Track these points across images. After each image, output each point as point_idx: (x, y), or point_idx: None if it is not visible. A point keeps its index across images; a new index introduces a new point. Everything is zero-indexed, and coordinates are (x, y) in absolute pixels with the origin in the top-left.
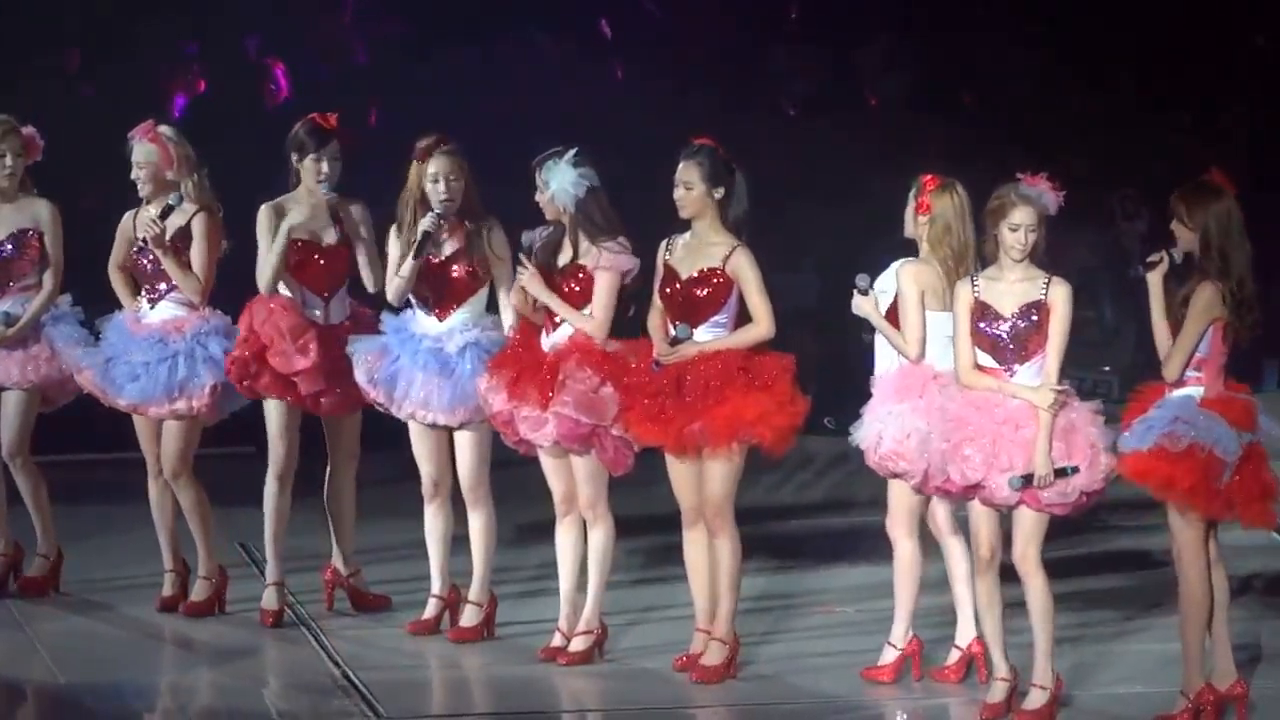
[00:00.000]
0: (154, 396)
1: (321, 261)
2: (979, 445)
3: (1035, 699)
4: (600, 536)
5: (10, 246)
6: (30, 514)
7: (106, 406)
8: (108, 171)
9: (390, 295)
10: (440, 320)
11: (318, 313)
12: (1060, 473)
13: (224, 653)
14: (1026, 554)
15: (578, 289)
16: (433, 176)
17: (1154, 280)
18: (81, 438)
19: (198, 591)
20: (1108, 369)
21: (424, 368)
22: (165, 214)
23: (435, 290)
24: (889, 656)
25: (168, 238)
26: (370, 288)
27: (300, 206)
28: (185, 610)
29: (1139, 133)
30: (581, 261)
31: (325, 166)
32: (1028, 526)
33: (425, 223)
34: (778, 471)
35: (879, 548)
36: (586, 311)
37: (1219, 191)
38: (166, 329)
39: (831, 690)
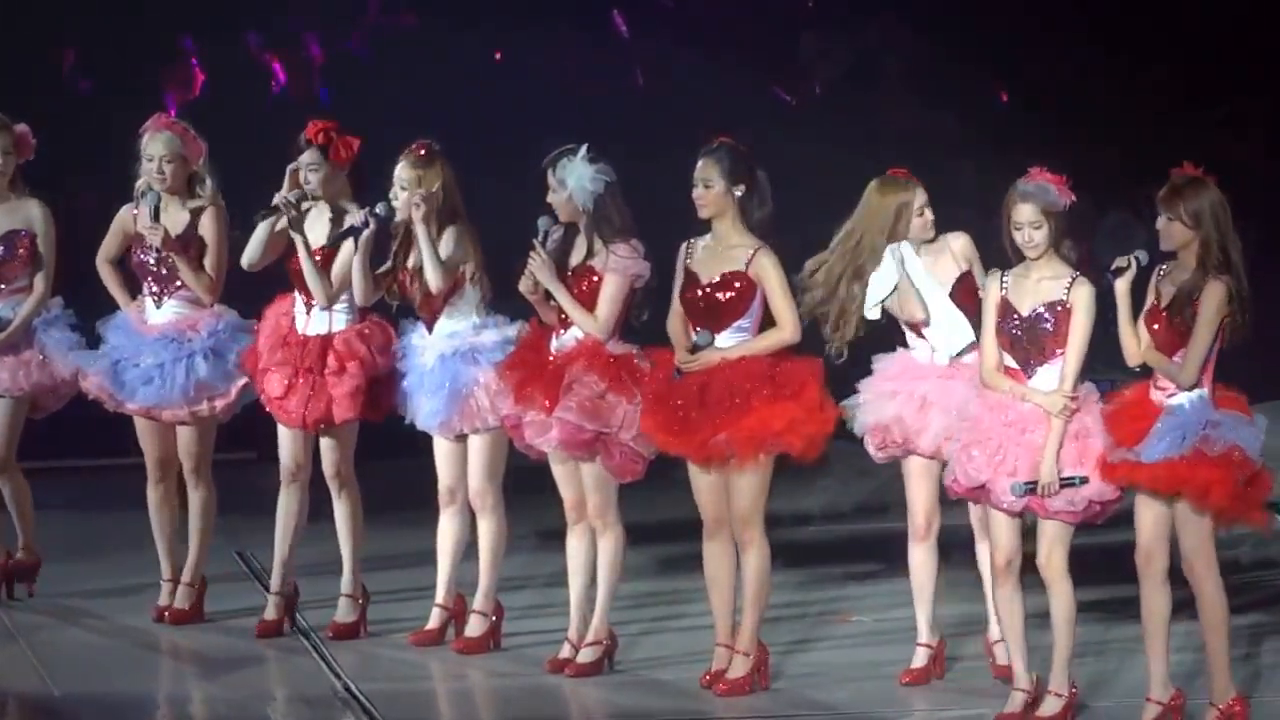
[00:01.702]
0: (171, 399)
1: (295, 266)
2: (985, 446)
3: (1051, 706)
4: (609, 545)
5: (1, 248)
6: (14, 523)
7: (97, 412)
8: (105, 169)
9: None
10: (429, 331)
11: (301, 318)
12: (1068, 482)
13: (222, 664)
14: (1050, 561)
15: (588, 289)
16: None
17: (1123, 287)
18: (77, 443)
19: (182, 598)
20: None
21: (409, 382)
22: (156, 214)
23: (414, 301)
24: (923, 658)
25: (174, 235)
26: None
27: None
28: (171, 619)
29: (1172, 129)
30: (593, 263)
31: (301, 175)
32: (1051, 532)
33: (356, 217)
34: (795, 478)
35: (896, 556)
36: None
37: (1210, 185)
38: (180, 328)
39: (848, 702)
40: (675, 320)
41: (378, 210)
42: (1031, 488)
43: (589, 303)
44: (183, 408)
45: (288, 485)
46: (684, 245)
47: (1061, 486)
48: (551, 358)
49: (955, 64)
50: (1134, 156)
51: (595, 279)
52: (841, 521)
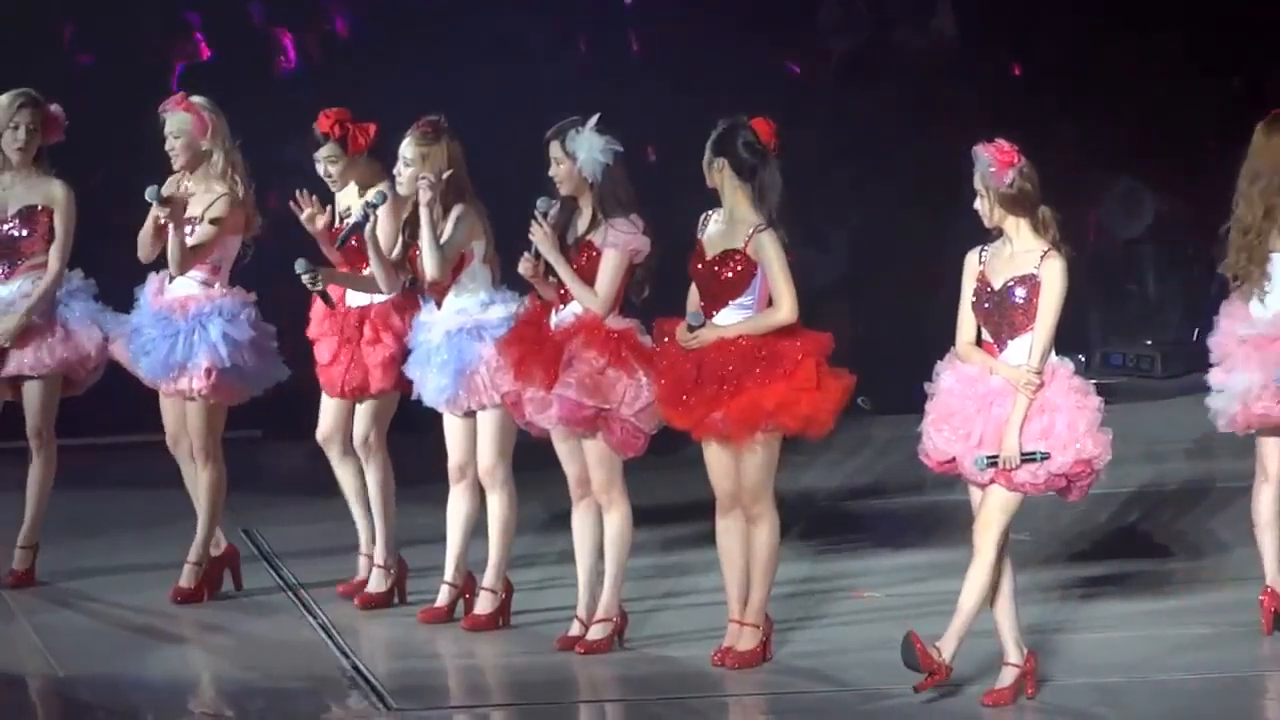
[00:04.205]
0: (158, 375)
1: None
2: (953, 421)
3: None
4: (616, 521)
5: (19, 224)
6: (27, 500)
7: (102, 389)
8: (107, 145)
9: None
10: (439, 308)
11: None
12: (1029, 457)
13: (227, 643)
14: (986, 529)
15: (587, 264)
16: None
17: None
18: (79, 421)
19: (186, 577)
20: (1150, 343)
21: (416, 358)
22: (156, 196)
23: (424, 278)
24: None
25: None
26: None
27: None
28: (178, 598)
29: (1188, 99)
30: (592, 237)
31: (321, 169)
32: (992, 502)
33: (356, 212)
34: (805, 452)
35: (908, 531)
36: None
37: None
38: (174, 306)
39: (859, 679)
40: (694, 292)
41: (373, 200)
42: (995, 461)
43: (588, 277)
44: (170, 385)
45: (341, 458)
46: (702, 216)
47: (1023, 461)
48: (550, 334)
49: (967, 37)
50: (1147, 129)
51: (594, 253)
52: (852, 497)
